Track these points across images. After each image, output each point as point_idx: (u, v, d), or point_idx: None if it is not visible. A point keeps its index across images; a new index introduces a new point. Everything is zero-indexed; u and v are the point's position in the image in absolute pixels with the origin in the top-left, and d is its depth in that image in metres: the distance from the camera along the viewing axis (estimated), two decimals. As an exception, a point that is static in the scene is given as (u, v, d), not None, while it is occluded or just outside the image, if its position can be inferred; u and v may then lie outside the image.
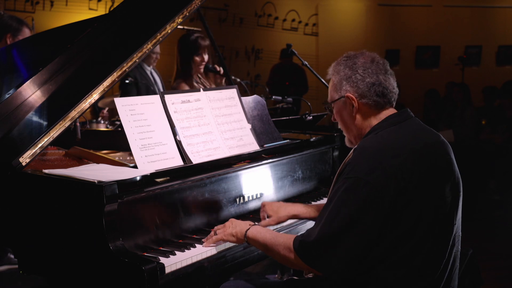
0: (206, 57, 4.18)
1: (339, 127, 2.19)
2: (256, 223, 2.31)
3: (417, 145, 1.95)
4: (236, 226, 2.20)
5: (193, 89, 3.83)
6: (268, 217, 2.47)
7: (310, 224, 2.61)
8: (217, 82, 4.32)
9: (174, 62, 4.30)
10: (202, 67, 4.18)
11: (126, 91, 5.24)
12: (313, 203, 2.85)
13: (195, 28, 6.06)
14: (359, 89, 2.02)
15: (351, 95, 2.03)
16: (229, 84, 3.69)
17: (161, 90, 5.44)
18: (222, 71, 4.11)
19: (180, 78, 4.17)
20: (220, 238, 2.23)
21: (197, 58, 4.14)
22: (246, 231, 2.15)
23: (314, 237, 1.91)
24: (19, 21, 4.08)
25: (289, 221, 2.54)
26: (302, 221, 2.60)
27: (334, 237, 1.86)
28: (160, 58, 5.62)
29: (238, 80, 4.72)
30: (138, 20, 2.83)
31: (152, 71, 5.50)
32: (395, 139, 1.96)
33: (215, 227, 2.29)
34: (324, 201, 2.89)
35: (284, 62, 8.27)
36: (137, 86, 5.21)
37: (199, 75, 4.25)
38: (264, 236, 2.09)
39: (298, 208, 2.47)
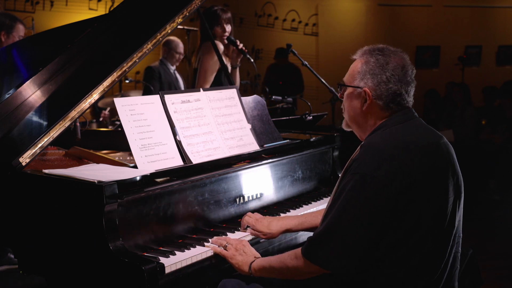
0: (228, 28, 4.13)
1: (342, 106, 2.15)
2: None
3: (423, 143, 1.95)
4: (244, 254, 2.18)
5: (193, 89, 3.82)
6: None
7: (302, 233, 2.60)
8: (233, 56, 4.21)
9: (198, 36, 4.20)
10: (224, 38, 4.12)
11: (148, 88, 5.37)
12: (313, 203, 2.86)
13: (195, 28, 6.08)
14: (379, 90, 1.99)
15: (369, 92, 2.00)
16: (230, 84, 3.68)
17: (182, 89, 5.58)
18: (241, 46, 4.05)
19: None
20: (228, 257, 2.20)
21: (219, 29, 4.10)
22: (250, 264, 2.13)
23: (322, 233, 1.91)
24: (13, 18, 4.08)
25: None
26: (294, 234, 2.60)
27: (340, 232, 1.87)
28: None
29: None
30: (138, 20, 2.82)
31: (175, 71, 5.68)
32: (402, 136, 1.96)
33: (228, 239, 2.26)
34: (323, 201, 2.89)
35: (280, 62, 8.28)
36: (160, 81, 5.39)
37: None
38: (269, 261, 2.09)
39: (289, 222, 2.44)
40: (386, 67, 1.98)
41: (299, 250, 1.98)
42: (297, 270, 1.98)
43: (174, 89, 5.39)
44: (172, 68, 5.67)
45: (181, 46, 5.67)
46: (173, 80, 5.62)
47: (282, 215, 2.66)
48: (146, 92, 5.40)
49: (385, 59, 1.99)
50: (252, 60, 4.06)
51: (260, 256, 2.19)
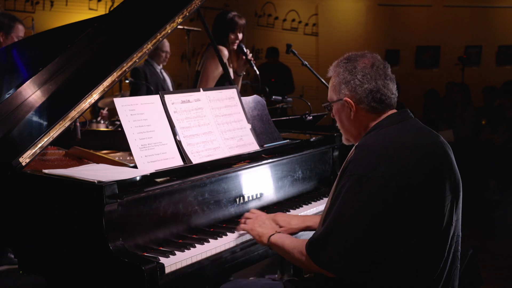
0: (240, 35, 4.16)
1: (337, 125, 2.19)
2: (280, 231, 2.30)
3: (419, 143, 1.96)
4: (264, 226, 2.27)
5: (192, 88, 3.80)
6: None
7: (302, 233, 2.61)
8: (240, 64, 4.21)
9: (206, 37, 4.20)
10: (235, 45, 4.14)
11: (136, 87, 5.29)
12: (313, 203, 2.86)
13: (195, 28, 6.07)
14: (357, 95, 2.02)
15: (349, 100, 2.03)
16: (230, 84, 3.68)
17: (170, 89, 5.49)
18: (250, 56, 4.06)
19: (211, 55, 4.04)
20: (248, 229, 2.30)
21: (232, 36, 4.12)
22: (269, 237, 2.19)
23: (321, 235, 1.92)
24: (11, 18, 4.06)
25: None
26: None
27: (338, 234, 1.87)
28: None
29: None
30: (138, 20, 2.82)
31: (162, 70, 5.55)
32: (397, 137, 1.96)
33: (246, 215, 2.38)
34: (323, 201, 2.89)
35: (270, 62, 8.27)
36: (146, 81, 5.26)
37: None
38: (284, 241, 2.14)
39: (310, 219, 2.45)
40: (355, 71, 2.03)
41: (304, 247, 1.99)
42: (302, 263, 2.03)
43: (162, 90, 5.29)
44: (159, 67, 5.49)
45: (167, 45, 5.48)
46: (160, 80, 5.42)
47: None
48: (134, 92, 5.31)
49: (352, 64, 2.04)
50: (258, 73, 4.06)
51: (280, 231, 2.26)
